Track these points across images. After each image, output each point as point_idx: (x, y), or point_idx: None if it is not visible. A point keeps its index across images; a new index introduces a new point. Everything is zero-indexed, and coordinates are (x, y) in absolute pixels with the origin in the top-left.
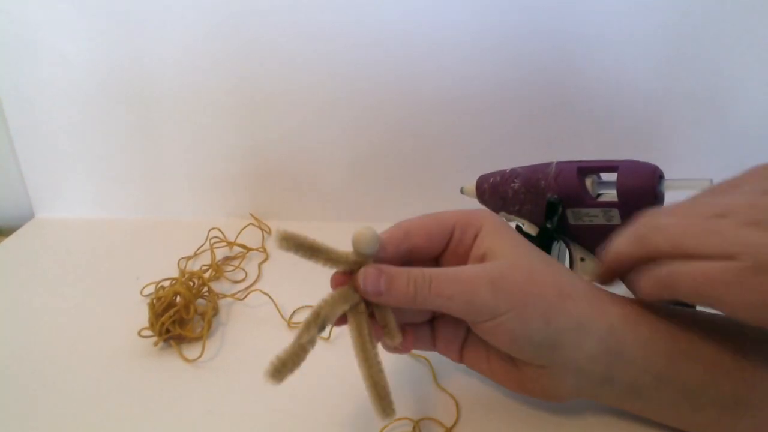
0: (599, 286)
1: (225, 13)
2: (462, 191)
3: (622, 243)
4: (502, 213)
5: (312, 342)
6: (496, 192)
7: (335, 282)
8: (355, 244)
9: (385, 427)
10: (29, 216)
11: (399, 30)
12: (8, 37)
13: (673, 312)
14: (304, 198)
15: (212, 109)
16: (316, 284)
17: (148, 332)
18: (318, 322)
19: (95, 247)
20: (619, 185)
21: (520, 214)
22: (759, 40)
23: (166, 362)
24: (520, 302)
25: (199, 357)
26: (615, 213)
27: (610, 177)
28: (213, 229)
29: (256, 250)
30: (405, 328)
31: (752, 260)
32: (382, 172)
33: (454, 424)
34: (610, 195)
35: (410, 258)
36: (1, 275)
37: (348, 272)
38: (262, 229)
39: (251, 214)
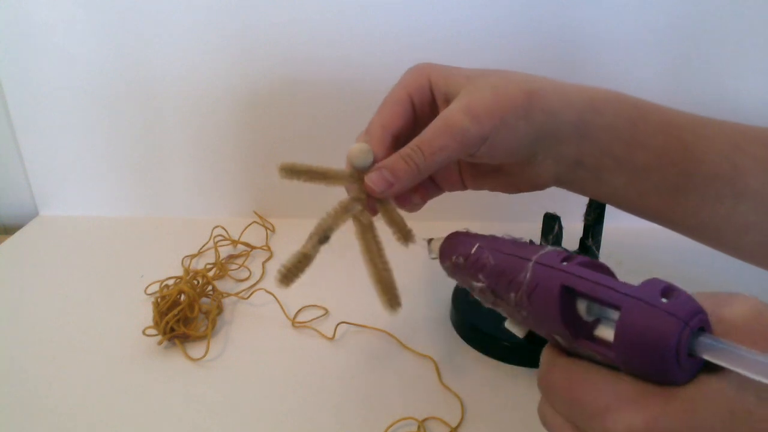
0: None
1: (228, 14)
2: (429, 248)
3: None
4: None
5: (315, 249)
6: (458, 276)
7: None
8: (352, 160)
9: (389, 426)
10: (33, 214)
11: (402, 29)
12: (13, 36)
13: (635, 103)
14: (308, 196)
15: (216, 108)
16: (320, 283)
17: (153, 331)
18: (320, 232)
19: (99, 245)
20: (618, 331)
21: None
22: (765, 46)
23: (170, 361)
24: (499, 116)
25: (204, 356)
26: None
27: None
28: (217, 227)
29: (260, 248)
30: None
31: None
32: None
33: (459, 424)
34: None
35: (397, 145)
36: (6, 273)
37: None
38: (265, 227)
39: (255, 212)
